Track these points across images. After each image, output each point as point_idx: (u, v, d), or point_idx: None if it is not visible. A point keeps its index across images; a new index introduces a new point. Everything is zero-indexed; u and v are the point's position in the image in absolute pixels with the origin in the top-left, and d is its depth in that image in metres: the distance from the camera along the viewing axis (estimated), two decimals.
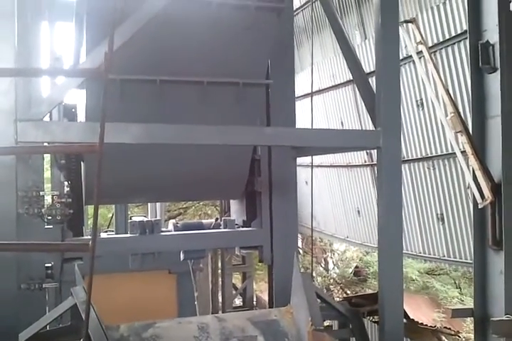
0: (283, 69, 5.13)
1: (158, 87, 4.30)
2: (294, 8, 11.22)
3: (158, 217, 8.90)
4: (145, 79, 4.26)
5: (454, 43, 7.90)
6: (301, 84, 10.11)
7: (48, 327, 3.91)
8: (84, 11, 4.01)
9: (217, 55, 4.38)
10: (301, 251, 18.16)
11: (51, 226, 4.40)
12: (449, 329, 12.09)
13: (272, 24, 4.40)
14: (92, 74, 3.07)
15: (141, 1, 3.61)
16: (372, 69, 4.57)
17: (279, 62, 5.07)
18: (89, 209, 6.59)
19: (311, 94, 6.46)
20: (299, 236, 16.52)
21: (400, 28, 4.70)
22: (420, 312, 12.44)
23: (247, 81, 4.55)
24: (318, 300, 4.36)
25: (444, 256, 9.29)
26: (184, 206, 18.29)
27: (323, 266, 20.09)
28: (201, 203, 17.64)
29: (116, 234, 7.43)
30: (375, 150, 4.49)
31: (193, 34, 4.18)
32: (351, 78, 5.03)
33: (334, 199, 13.28)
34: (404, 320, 10.87)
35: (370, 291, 15.26)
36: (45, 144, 3.72)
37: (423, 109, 9.00)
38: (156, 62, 4.26)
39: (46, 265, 4.50)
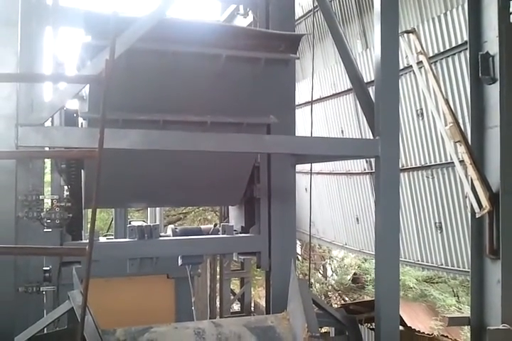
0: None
1: (161, 128, 4.29)
2: (297, 17, 11.34)
3: (157, 222, 8.92)
4: (148, 119, 4.25)
5: (455, 54, 7.93)
6: (302, 92, 10.17)
7: (44, 330, 3.92)
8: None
9: (221, 97, 4.42)
10: (300, 257, 18.16)
11: (50, 230, 4.42)
12: (446, 337, 12.07)
13: (280, 72, 4.47)
14: (93, 80, 3.11)
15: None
16: (373, 78, 4.60)
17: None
18: (89, 213, 6.60)
19: (311, 103, 6.49)
20: (298, 242, 16.53)
21: (400, 38, 4.74)
22: (417, 319, 12.43)
23: (250, 121, 4.58)
24: (315, 307, 4.38)
25: (442, 265, 9.28)
26: (184, 211, 18.31)
27: (321, 272, 20.07)
28: (201, 208, 17.67)
29: (115, 238, 7.46)
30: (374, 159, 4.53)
31: (199, 78, 4.22)
32: (352, 87, 5.06)
33: (333, 206, 13.29)
34: (402, 328, 10.94)
35: (368, 298, 15.26)
36: (46, 149, 3.76)
37: (423, 118, 9.03)
38: (160, 103, 4.27)
39: (44, 268, 4.52)
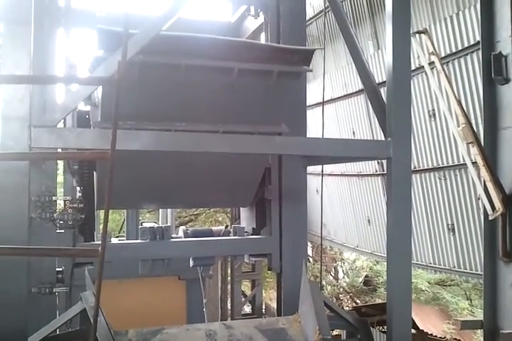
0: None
1: None
2: (308, 17, 11.32)
3: (168, 223, 8.94)
4: (160, 128, 4.21)
5: (467, 54, 7.89)
6: (314, 92, 10.16)
7: (57, 331, 3.94)
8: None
9: (233, 108, 4.42)
10: (311, 259, 18.13)
11: (63, 231, 4.44)
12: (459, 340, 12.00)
13: (293, 84, 4.47)
14: (106, 82, 3.12)
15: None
16: (385, 79, 4.58)
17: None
18: (101, 215, 6.65)
19: (323, 104, 6.47)
20: (309, 244, 16.50)
21: (412, 38, 4.72)
22: (430, 323, 12.36)
23: (262, 130, 4.56)
24: (326, 309, 4.36)
25: (455, 267, 9.22)
26: (195, 213, 18.35)
27: (333, 274, 20.01)
28: (212, 210, 17.69)
29: (127, 239, 7.48)
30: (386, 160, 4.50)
31: (211, 90, 4.24)
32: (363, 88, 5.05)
33: (345, 208, 13.26)
34: (414, 331, 10.87)
35: (379, 301, 15.20)
36: (59, 150, 3.78)
37: (435, 119, 8.98)
38: (172, 114, 4.28)
39: (57, 269, 4.54)
